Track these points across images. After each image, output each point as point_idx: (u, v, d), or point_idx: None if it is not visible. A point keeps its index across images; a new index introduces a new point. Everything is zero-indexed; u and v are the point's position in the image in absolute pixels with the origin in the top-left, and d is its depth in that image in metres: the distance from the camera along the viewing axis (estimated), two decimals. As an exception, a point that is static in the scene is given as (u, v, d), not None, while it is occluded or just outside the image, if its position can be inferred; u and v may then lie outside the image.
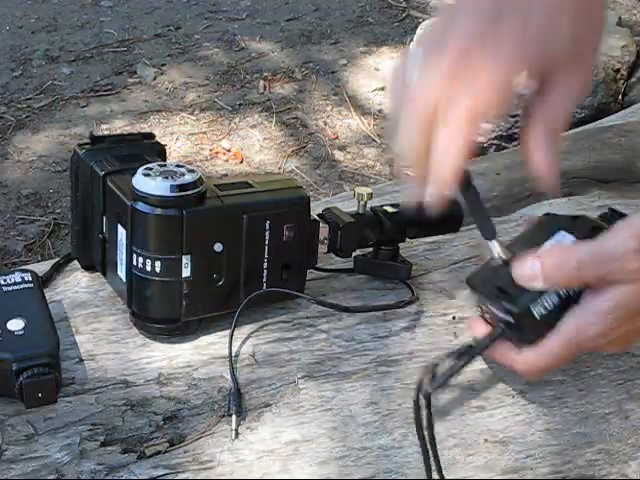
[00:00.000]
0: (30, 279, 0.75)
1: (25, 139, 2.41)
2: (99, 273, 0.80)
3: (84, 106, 2.55)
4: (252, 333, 0.75)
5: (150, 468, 0.65)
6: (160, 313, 0.73)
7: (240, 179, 0.76)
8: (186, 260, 0.70)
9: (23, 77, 2.72)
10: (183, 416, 0.69)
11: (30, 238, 2.03)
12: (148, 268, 0.70)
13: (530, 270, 0.64)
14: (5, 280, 0.74)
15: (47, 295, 0.76)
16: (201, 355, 0.73)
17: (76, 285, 0.80)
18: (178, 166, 0.72)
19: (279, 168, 2.24)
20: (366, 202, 0.79)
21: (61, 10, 3.16)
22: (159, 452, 0.66)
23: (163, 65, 2.77)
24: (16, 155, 2.33)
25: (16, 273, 0.75)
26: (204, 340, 0.75)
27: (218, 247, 0.71)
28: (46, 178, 2.24)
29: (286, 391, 0.71)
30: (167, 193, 0.69)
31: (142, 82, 2.68)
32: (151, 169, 0.71)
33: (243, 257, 0.73)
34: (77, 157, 0.77)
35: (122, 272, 0.73)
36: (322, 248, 0.78)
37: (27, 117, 2.51)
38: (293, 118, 2.47)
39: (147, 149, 0.79)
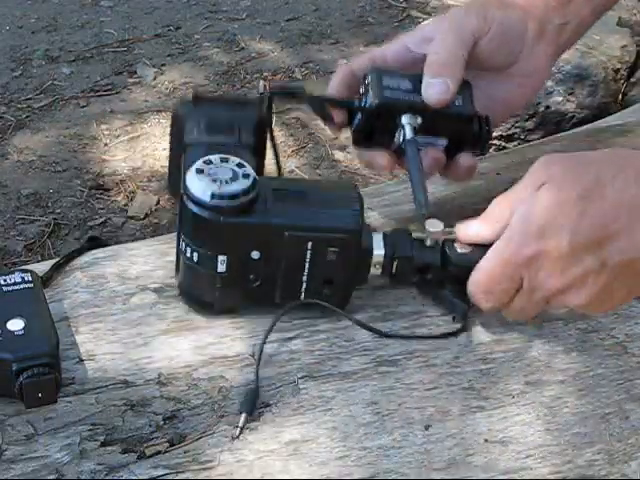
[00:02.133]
0: (30, 279, 0.75)
1: (25, 139, 2.40)
2: (99, 273, 0.80)
3: (84, 106, 2.55)
4: (252, 333, 0.75)
5: (150, 468, 0.65)
6: (196, 294, 0.75)
7: (300, 186, 0.76)
8: (222, 258, 0.71)
9: (23, 77, 2.72)
10: (183, 416, 0.69)
11: (30, 238, 2.03)
12: (188, 254, 0.72)
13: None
14: (5, 280, 0.74)
15: (47, 295, 0.76)
16: (201, 355, 0.73)
17: (76, 285, 0.80)
18: (239, 165, 0.71)
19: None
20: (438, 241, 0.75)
21: (61, 10, 3.16)
22: (159, 452, 0.66)
23: (163, 65, 2.77)
24: (16, 155, 2.33)
25: (16, 273, 0.75)
26: (204, 340, 0.75)
27: (255, 254, 0.71)
28: (46, 178, 2.24)
29: (286, 391, 0.71)
30: (207, 199, 0.69)
31: (142, 82, 2.67)
32: (209, 164, 0.71)
33: (281, 267, 0.72)
34: (177, 113, 0.80)
35: None
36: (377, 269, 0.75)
37: (27, 117, 2.51)
38: (293, 118, 2.47)
39: (244, 120, 0.78)
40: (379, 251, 0.74)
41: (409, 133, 0.78)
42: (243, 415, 0.68)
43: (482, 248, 0.72)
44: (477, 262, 0.72)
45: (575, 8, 0.84)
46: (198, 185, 0.70)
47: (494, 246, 0.71)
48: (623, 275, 0.69)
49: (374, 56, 0.83)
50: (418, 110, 0.78)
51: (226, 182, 0.70)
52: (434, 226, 0.74)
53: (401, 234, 0.76)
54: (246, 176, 0.71)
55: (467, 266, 0.73)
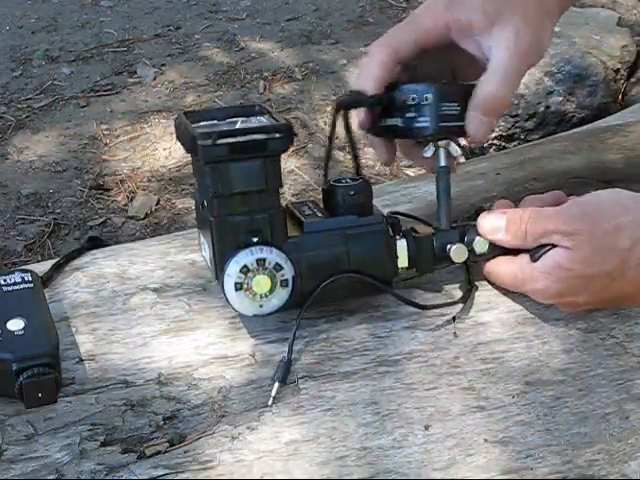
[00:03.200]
0: (30, 279, 0.75)
1: (25, 139, 2.41)
2: (99, 273, 0.80)
3: (84, 106, 2.55)
4: (252, 333, 0.75)
5: (150, 468, 0.65)
6: None
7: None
8: None
9: (23, 77, 2.72)
10: (183, 416, 0.69)
11: (30, 238, 2.03)
12: None
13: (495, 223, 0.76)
14: (5, 280, 0.74)
15: (47, 295, 0.76)
16: (201, 355, 0.73)
17: (76, 285, 0.80)
18: (276, 267, 0.72)
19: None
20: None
21: (61, 10, 3.16)
22: (159, 452, 0.66)
23: (163, 65, 2.77)
24: (16, 155, 2.33)
25: (16, 273, 0.75)
26: (204, 340, 0.75)
27: None
28: (46, 178, 2.24)
29: (286, 391, 0.71)
30: (250, 315, 0.73)
31: (142, 82, 2.67)
32: (246, 273, 0.71)
33: None
34: None
35: None
36: None
37: (27, 117, 2.51)
38: (293, 118, 2.47)
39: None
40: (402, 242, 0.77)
41: (443, 161, 0.78)
42: (276, 384, 0.70)
43: (499, 249, 0.77)
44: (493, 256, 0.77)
45: None
46: (239, 303, 0.72)
47: (518, 275, 0.76)
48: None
49: (418, 37, 0.78)
50: (459, 134, 0.78)
51: (266, 296, 0.72)
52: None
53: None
54: (284, 284, 0.72)
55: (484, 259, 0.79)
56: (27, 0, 3.23)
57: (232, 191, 0.70)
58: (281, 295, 0.72)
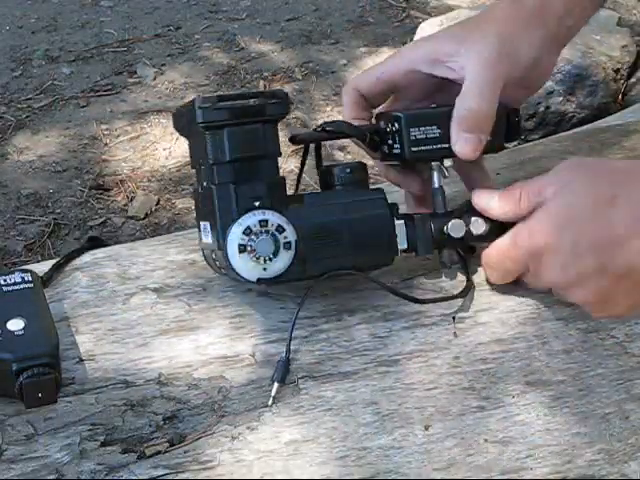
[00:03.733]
0: (30, 279, 0.75)
1: (25, 139, 2.41)
2: (99, 273, 0.80)
3: (84, 106, 2.56)
4: (252, 333, 0.75)
5: (150, 468, 0.65)
6: None
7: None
8: None
9: (23, 77, 2.72)
10: (183, 416, 0.69)
11: (30, 238, 2.03)
12: None
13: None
14: (5, 280, 0.74)
15: (47, 295, 0.76)
16: (201, 355, 0.73)
17: (76, 285, 0.80)
18: (279, 229, 0.71)
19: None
20: None
21: (61, 10, 3.16)
22: (159, 452, 0.66)
23: (163, 65, 2.78)
24: (16, 155, 2.33)
25: (16, 273, 0.75)
26: (204, 340, 0.75)
27: None
28: (46, 178, 2.24)
29: (286, 391, 0.71)
30: (254, 280, 0.72)
31: (142, 82, 2.68)
32: (249, 234, 0.71)
33: None
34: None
35: None
36: None
37: (27, 117, 2.51)
38: (293, 118, 2.47)
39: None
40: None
41: (437, 181, 0.79)
42: (276, 384, 0.70)
43: (497, 231, 0.77)
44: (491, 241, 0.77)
45: (579, 10, 0.84)
46: (243, 267, 0.71)
47: (512, 231, 0.75)
48: (625, 283, 0.71)
49: (382, 77, 0.81)
50: (448, 155, 0.79)
51: (269, 259, 0.71)
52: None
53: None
54: (287, 246, 0.72)
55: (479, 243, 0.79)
56: (27, 0, 3.23)
57: (232, 157, 0.71)
58: (284, 258, 0.72)
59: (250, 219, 0.71)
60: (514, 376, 0.74)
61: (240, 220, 0.71)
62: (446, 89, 0.80)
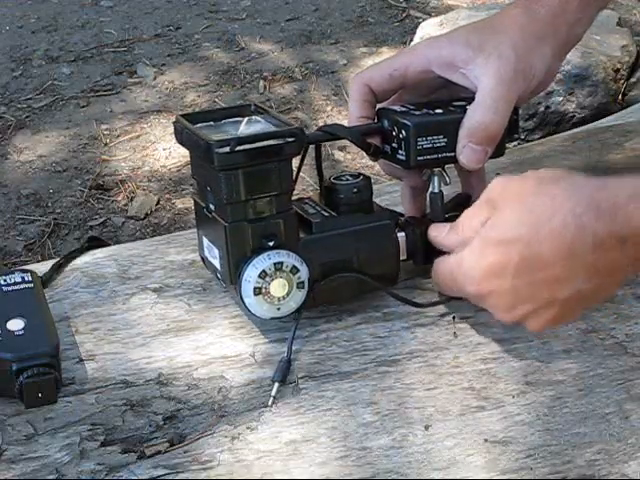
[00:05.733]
0: (30, 279, 0.75)
1: (25, 139, 2.41)
2: (99, 273, 0.80)
3: (84, 106, 2.55)
4: (252, 333, 0.75)
5: (150, 468, 0.65)
6: None
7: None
8: None
9: (23, 77, 2.72)
10: (183, 416, 0.69)
11: (30, 238, 2.03)
12: None
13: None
14: (5, 280, 0.74)
15: (47, 295, 0.76)
16: (201, 355, 0.73)
17: (76, 285, 0.80)
18: (293, 270, 0.71)
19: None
20: None
21: (61, 10, 3.16)
22: (159, 452, 0.66)
23: (163, 65, 2.78)
24: (16, 155, 2.33)
25: (16, 273, 0.75)
26: (204, 340, 0.75)
27: None
28: (46, 178, 2.24)
29: (286, 391, 0.71)
30: (267, 319, 0.74)
31: (142, 82, 2.68)
32: (264, 277, 0.71)
33: None
34: None
35: None
36: None
37: (27, 117, 2.51)
38: (293, 118, 2.46)
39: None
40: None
41: (437, 186, 0.79)
42: (276, 384, 0.70)
43: None
44: None
45: (587, 17, 0.83)
46: (258, 308, 0.72)
47: (457, 256, 0.72)
48: (575, 301, 0.69)
49: (395, 74, 0.80)
50: (451, 162, 0.79)
51: (283, 299, 0.72)
52: None
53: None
54: (301, 286, 0.72)
55: None
56: (27, 0, 3.23)
57: (247, 197, 0.70)
58: (297, 297, 0.72)
59: (265, 262, 0.70)
60: (514, 376, 0.74)
61: (255, 262, 0.70)
62: (448, 87, 0.80)
